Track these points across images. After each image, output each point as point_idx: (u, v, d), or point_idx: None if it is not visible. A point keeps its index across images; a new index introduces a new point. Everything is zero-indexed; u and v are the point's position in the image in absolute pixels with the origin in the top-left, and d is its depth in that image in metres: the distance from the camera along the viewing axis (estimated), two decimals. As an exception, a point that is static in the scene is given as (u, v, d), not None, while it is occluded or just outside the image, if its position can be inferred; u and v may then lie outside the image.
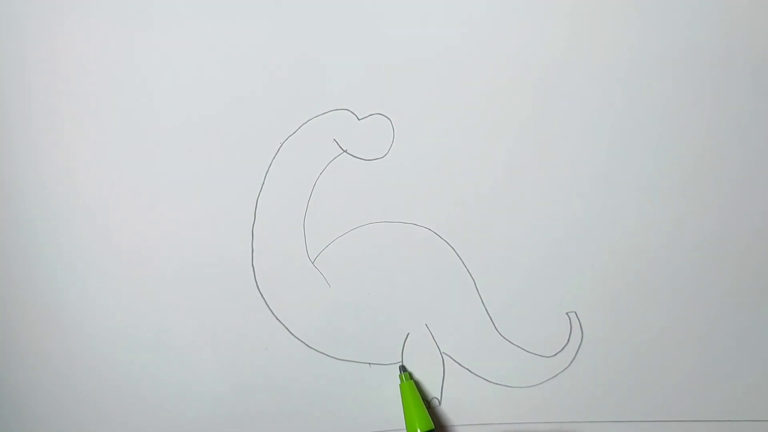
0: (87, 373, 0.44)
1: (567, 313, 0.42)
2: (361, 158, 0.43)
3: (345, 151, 0.43)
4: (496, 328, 0.43)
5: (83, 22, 0.43)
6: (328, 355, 0.43)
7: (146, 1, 0.43)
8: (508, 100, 0.42)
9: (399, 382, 0.42)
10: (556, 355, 0.42)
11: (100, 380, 0.44)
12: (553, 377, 0.42)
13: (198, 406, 0.44)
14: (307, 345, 0.43)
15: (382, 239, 0.43)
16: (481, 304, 0.42)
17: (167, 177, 0.43)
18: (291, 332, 0.43)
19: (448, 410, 0.43)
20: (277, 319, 0.43)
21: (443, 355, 0.43)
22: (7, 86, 0.44)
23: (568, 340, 0.42)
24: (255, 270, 0.43)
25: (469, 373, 0.43)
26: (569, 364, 0.42)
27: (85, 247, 0.44)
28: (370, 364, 0.43)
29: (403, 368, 0.43)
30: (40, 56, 0.43)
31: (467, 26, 0.42)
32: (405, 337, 0.43)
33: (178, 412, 0.44)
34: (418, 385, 0.42)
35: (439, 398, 0.43)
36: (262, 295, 0.43)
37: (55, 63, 0.43)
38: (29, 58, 0.43)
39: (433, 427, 0.40)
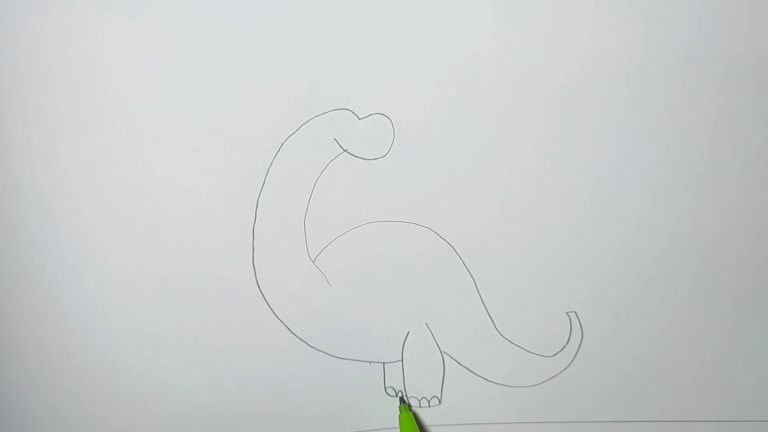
0: (86, 373, 0.44)
1: (567, 313, 0.42)
2: (361, 158, 0.43)
3: (345, 151, 0.43)
4: (496, 327, 0.43)
5: (82, 21, 0.43)
6: (328, 354, 0.43)
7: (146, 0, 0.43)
8: (508, 99, 0.41)
9: (398, 413, 0.42)
10: (556, 355, 0.42)
11: (99, 380, 0.44)
12: (553, 377, 0.42)
13: (198, 405, 0.44)
14: (307, 344, 0.43)
15: (382, 239, 0.43)
16: (482, 303, 0.43)
17: (168, 176, 0.43)
18: (291, 331, 0.43)
19: (448, 410, 0.43)
20: (278, 317, 0.43)
21: (443, 354, 0.43)
22: (5, 86, 0.44)
23: (568, 340, 0.42)
24: (256, 269, 0.43)
25: (469, 372, 0.43)
26: (569, 364, 0.42)
27: (86, 246, 0.44)
28: (370, 362, 0.43)
29: (402, 399, 0.43)
30: (36, 56, 0.43)
31: (468, 26, 0.41)
32: (405, 336, 0.43)
33: (179, 412, 0.44)
34: (417, 416, 0.43)
35: (439, 397, 0.43)
36: (262, 294, 0.43)
37: (52, 63, 0.43)
38: (27, 58, 0.43)
39: None
